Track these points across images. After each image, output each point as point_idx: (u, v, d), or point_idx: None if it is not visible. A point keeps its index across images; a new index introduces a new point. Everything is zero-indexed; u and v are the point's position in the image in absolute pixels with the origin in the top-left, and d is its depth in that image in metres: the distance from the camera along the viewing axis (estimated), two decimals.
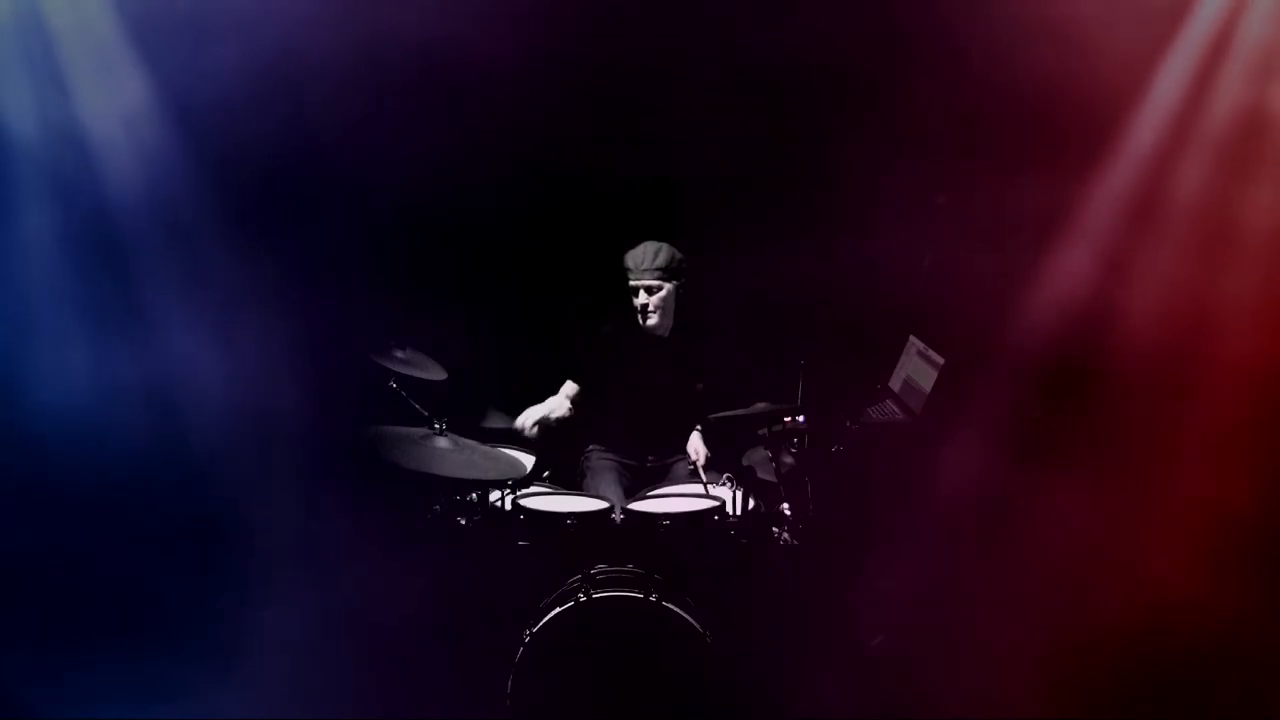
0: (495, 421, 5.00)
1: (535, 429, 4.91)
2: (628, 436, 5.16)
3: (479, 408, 5.04)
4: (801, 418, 4.60)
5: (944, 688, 4.40)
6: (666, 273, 5.00)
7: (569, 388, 5.14)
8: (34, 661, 4.38)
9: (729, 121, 5.57)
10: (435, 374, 4.89)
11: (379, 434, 4.26)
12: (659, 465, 5.14)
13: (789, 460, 4.67)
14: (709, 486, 4.70)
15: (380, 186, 5.31)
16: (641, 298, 5.01)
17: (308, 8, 4.88)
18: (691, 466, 4.93)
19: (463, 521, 4.55)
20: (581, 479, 5.09)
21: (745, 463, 4.92)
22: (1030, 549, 4.73)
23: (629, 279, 5.03)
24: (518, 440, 4.92)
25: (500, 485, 4.59)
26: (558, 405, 5.04)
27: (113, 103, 4.85)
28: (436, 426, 4.25)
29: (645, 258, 4.99)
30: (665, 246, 5.02)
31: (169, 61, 4.87)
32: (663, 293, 5.02)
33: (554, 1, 5.27)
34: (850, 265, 5.32)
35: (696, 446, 5.04)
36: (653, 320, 5.03)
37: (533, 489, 4.72)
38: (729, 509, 4.58)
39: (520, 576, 4.37)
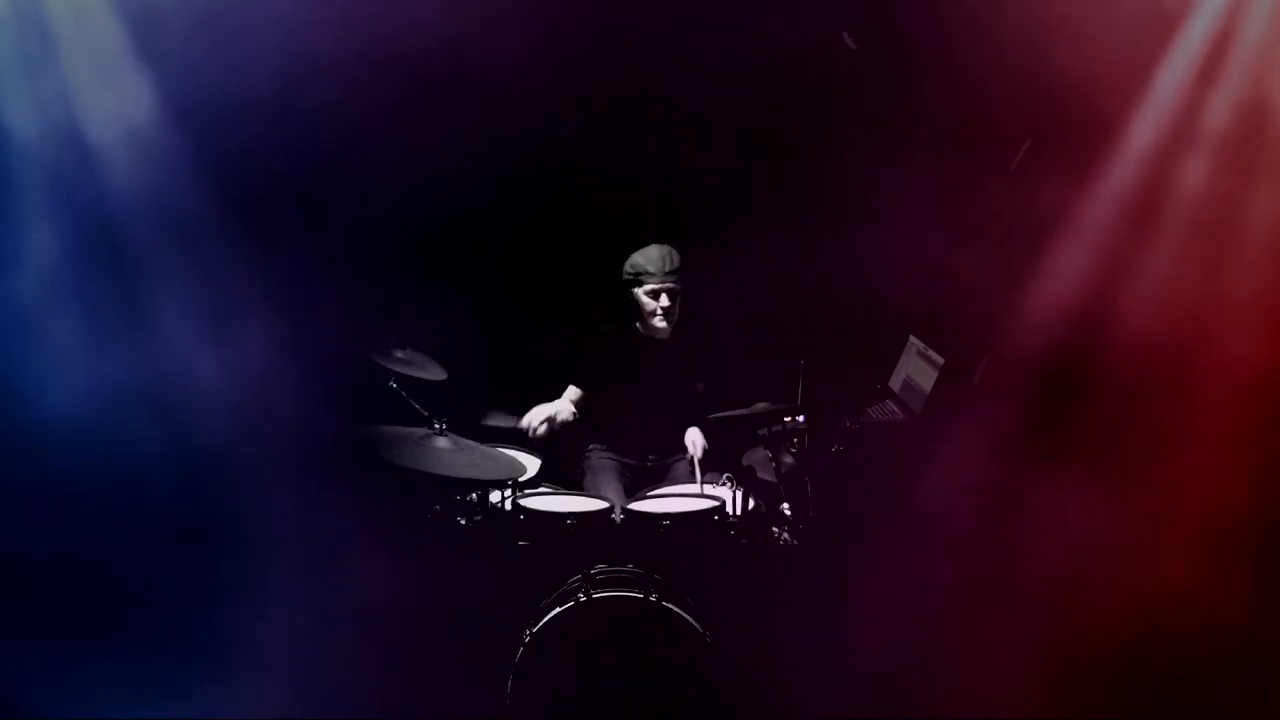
0: (497, 420, 5.00)
1: (543, 427, 4.93)
2: (629, 436, 5.17)
3: (480, 408, 5.04)
4: (801, 418, 4.61)
5: (944, 688, 4.40)
6: (681, 276, 5.02)
7: (572, 392, 5.15)
8: (34, 661, 4.38)
9: (729, 122, 5.58)
10: (435, 374, 4.89)
11: (379, 434, 4.26)
12: (659, 465, 5.15)
13: (789, 460, 4.67)
14: (708, 486, 4.70)
15: (381, 186, 5.30)
16: (663, 301, 5.02)
17: (308, 8, 4.88)
18: (689, 459, 4.93)
19: (463, 521, 4.55)
20: (582, 477, 5.10)
21: (745, 463, 4.92)
22: (1030, 549, 4.72)
23: (646, 283, 5.03)
24: (522, 441, 4.93)
25: (500, 485, 4.59)
26: (562, 408, 5.05)
27: (113, 103, 4.84)
28: (436, 426, 4.25)
29: (665, 261, 5.00)
30: (673, 249, 5.04)
31: (169, 62, 4.86)
32: (679, 296, 5.03)
33: (555, 3, 5.27)
34: (850, 265, 5.32)
35: (694, 439, 5.04)
36: (669, 322, 5.05)
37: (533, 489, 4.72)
38: (729, 509, 4.58)
39: (520, 576, 4.38)
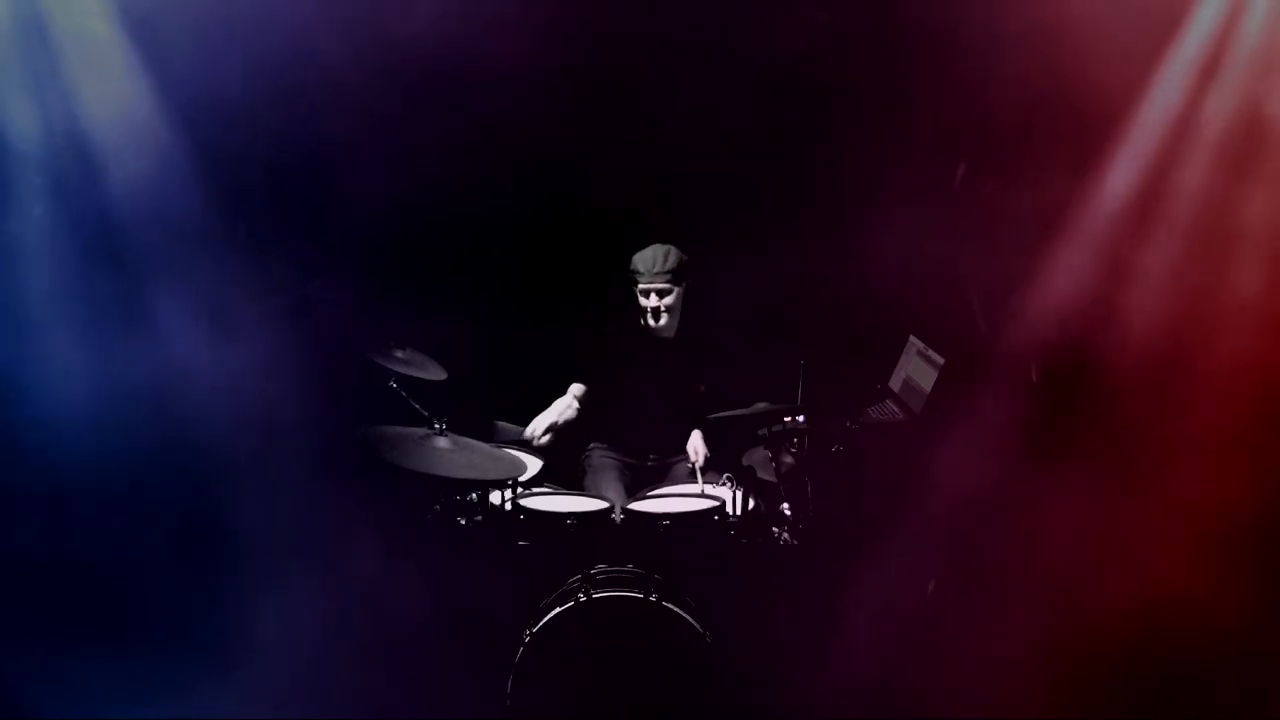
0: (504, 434, 5.01)
1: (548, 435, 4.93)
2: (630, 435, 5.17)
3: (485, 420, 5.05)
4: (801, 418, 4.61)
5: (944, 688, 4.40)
6: (676, 276, 5.02)
7: (576, 389, 5.15)
8: (34, 661, 4.37)
9: (730, 121, 5.58)
10: (435, 374, 4.90)
11: (379, 434, 4.26)
12: (660, 464, 5.15)
13: (789, 460, 4.67)
14: (708, 486, 4.71)
15: (382, 186, 5.31)
16: (653, 300, 5.03)
17: (308, 11, 4.88)
18: (691, 466, 4.94)
19: (463, 521, 4.55)
20: (582, 477, 5.10)
21: (745, 463, 4.92)
22: (1030, 549, 4.72)
23: (638, 282, 5.04)
24: (526, 445, 4.93)
25: (500, 485, 4.59)
26: (566, 408, 5.05)
27: (114, 105, 4.84)
28: (436, 426, 4.25)
29: (656, 261, 5.00)
30: (673, 249, 5.04)
31: (170, 64, 4.86)
32: (672, 296, 5.04)
33: (555, 4, 5.27)
34: (851, 265, 5.32)
35: (696, 446, 5.04)
36: (663, 322, 5.05)
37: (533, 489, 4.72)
38: (729, 509, 4.58)
39: (520, 576, 4.38)
